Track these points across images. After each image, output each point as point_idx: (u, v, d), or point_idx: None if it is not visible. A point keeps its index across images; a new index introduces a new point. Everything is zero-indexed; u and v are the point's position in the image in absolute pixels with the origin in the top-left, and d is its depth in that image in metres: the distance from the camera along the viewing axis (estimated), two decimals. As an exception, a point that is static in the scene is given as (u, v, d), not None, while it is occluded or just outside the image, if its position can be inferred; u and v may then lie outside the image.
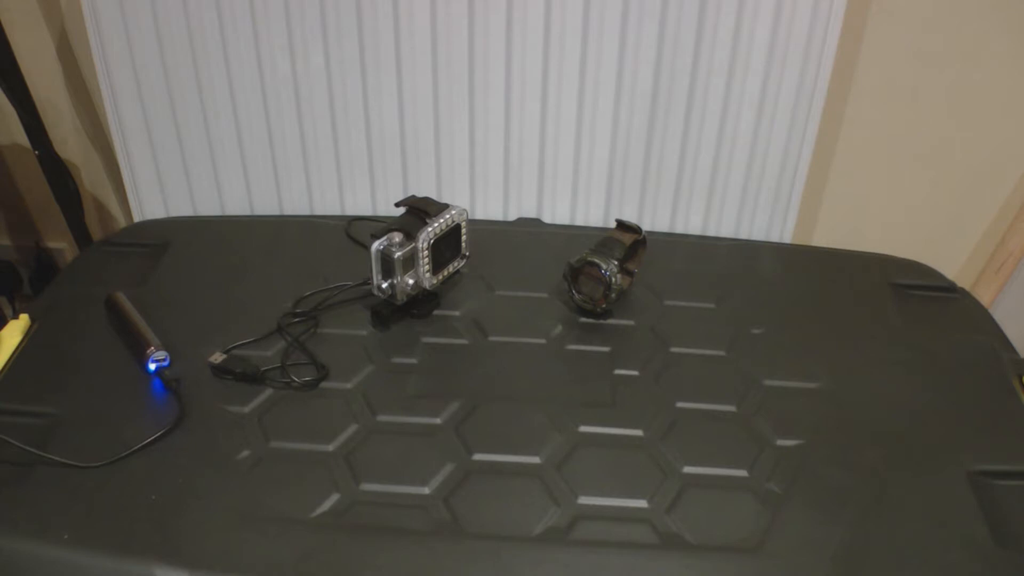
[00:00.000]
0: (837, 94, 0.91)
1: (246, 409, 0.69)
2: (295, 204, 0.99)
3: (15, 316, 0.78)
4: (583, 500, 0.62)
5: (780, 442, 0.68)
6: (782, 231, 0.98)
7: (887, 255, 0.95)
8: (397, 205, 0.79)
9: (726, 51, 0.87)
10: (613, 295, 0.79)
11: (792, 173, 0.94)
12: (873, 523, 0.62)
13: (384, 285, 0.77)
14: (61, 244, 1.21)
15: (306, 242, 0.92)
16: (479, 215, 0.99)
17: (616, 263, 0.79)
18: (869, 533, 0.61)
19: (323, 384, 0.72)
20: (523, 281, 0.86)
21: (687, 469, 0.65)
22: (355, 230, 0.93)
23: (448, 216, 0.78)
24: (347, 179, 0.97)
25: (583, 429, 0.69)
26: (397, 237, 0.75)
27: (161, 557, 0.56)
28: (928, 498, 0.64)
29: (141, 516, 0.60)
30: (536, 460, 0.66)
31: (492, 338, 0.79)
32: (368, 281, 0.79)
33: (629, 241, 0.82)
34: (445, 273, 0.81)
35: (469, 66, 0.89)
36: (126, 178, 0.97)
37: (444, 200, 0.80)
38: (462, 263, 0.83)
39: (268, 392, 0.71)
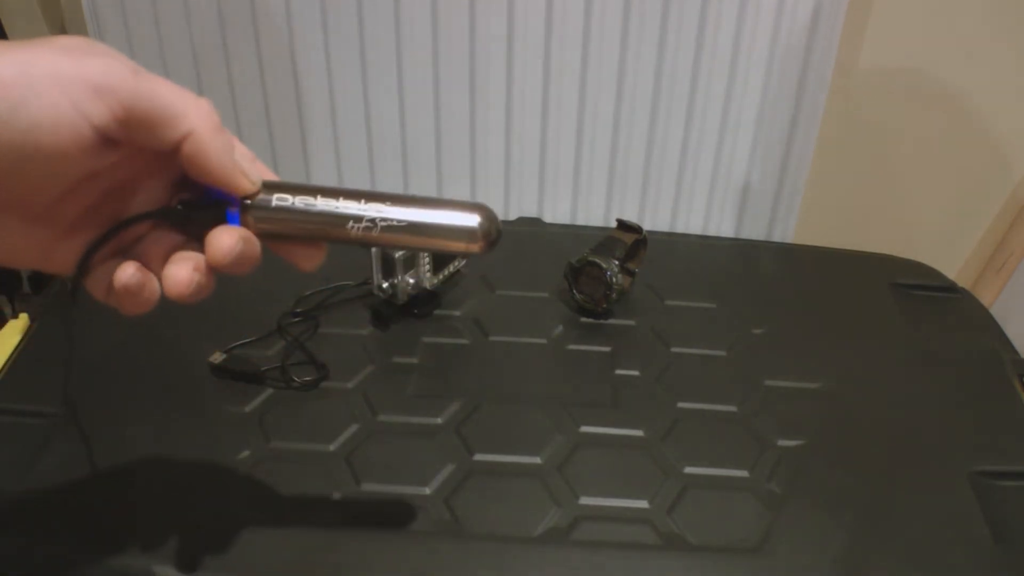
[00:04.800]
0: (838, 93, 0.91)
1: (246, 409, 0.69)
2: (295, 203, 0.99)
3: (15, 316, 0.77)
4: (584, 500, 0.62)
5: (781, 442, 0.68)
6: (783, 231, 0.98)
7: (887, 255, 0.95)
8: (398, 205, 0.79)
9: (727, 50, 0.87)
10: (614, 295, 0.79)
11: (793, 173, 0.94)
12: (874, 523, 0.62)
13: (385, 285, 0.77)
14: (61, 243, 1.20)
15: (306, 242, 0.92)
16: (479, 215, 0.99)
17: (617, 263, 0.79)
18: (870, 533, 0.61)
19: (323, 384, 0.72)
20: (524, 281, 0.86)
21: (688, 469, 0.65)
22: (355, 230, 0.93)
23: (449, 216, 0.78)
24: (347, 179, 0.97)
25: (584, 429, 0.69)
26: (398, 237, 0.75)
27: (161, 557, 0.56)
28: (928, 498, 0.64)
29: (141, 516, 0.60)
30: (537, 460, 0.66)
31: (493, 338, 0.78)
32: (368, 281, 0.79)
33: (630, 241, 0.81)
34: (446, 273, 0.81)
35: (470, 65, 0.89)
36: (126, 177, 0.97)
37: (444, 199, 0.79)
38: (463, 263, 0.83)
39: (268, 392, 0.71)
